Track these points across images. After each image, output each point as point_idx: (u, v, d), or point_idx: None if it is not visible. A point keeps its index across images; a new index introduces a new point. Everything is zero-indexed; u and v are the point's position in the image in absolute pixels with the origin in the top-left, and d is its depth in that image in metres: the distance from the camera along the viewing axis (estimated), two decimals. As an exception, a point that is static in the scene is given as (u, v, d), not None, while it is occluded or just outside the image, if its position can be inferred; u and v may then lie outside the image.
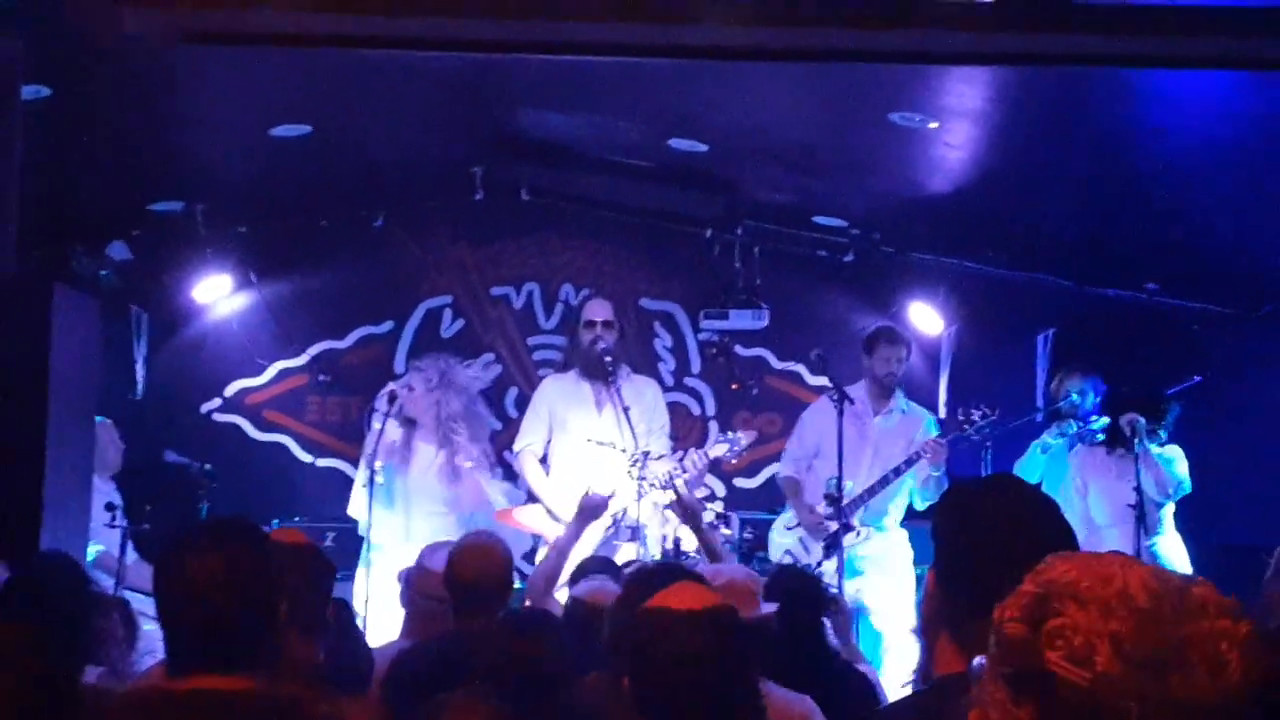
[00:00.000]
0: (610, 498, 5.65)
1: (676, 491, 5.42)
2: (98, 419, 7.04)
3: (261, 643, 2.28)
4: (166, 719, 2.20)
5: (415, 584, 4.35)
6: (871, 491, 6.35)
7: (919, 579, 6.38)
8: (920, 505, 6.47)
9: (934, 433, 6.52)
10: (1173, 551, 6.47)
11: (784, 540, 6.62)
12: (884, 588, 6.35)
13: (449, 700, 2.84)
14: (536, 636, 3.16)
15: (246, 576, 2.27)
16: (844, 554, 5.99)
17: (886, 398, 6.62)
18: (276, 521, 6.93)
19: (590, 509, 5.40)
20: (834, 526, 6.08)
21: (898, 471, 6.35)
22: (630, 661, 2.46)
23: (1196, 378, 6.62)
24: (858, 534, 6.37)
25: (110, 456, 6.97)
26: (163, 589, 2.32)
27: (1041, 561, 1.82)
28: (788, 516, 6.72)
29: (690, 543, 5.71)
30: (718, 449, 6.26)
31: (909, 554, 6.50)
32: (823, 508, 6.30)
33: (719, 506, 7.38)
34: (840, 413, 6.09)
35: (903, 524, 6.60)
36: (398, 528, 6.47)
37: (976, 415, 6.34)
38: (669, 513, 5.99)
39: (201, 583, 2.24)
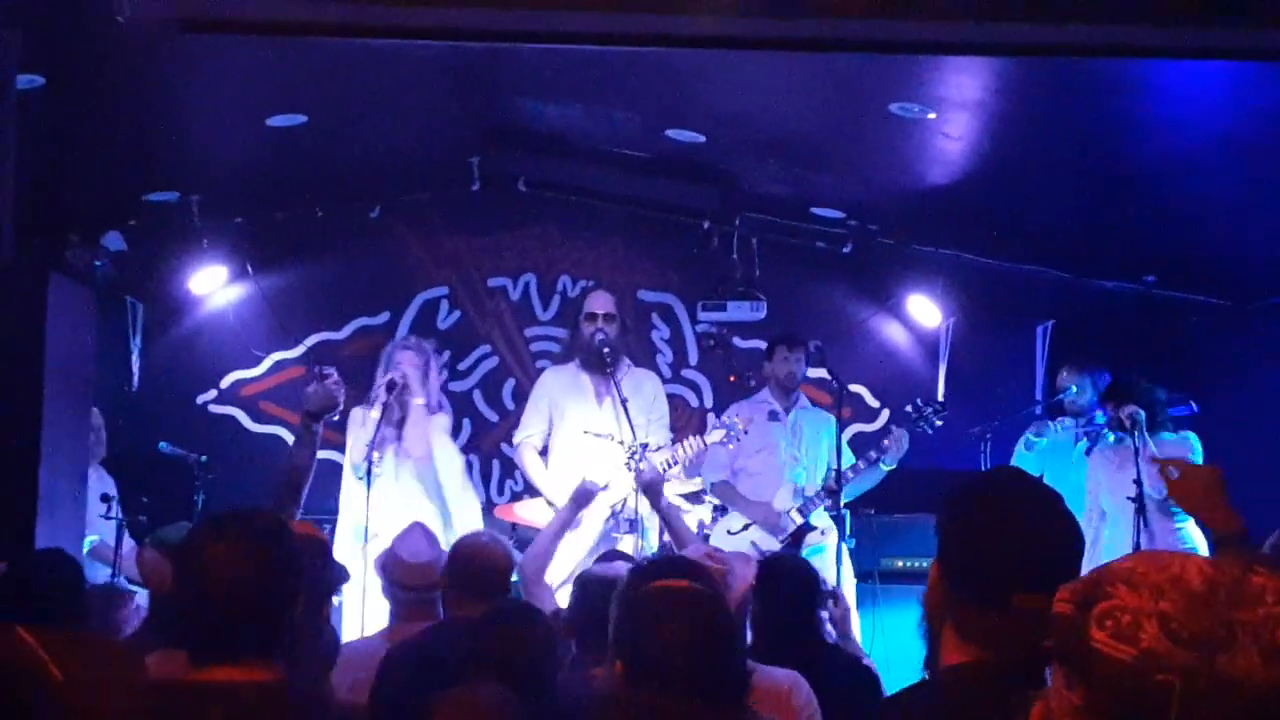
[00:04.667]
0: (604, 488, 5.69)
1: (644, 476, 5.44)
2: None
3: (282, 634, 2.26)
4: (198, 711, 2.18)
5: (392, 575, 4.30)
6: (836, 488, 6.28)
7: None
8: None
9: (834, 432, 6.50)
10: (1199, 540, 6.32)
11: (736, 545, 6.28)
12: (825, 556, 6.42)
13: (445, 696, 2.82)
14: (521, 630, 3.12)
15: (272, 567, 2.25)
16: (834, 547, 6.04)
17: (789, 398, 6.75)
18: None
19: (583, 496, 5.43)
20: (797, 521, 6.36)
21: (855, 469, 6.40)
22: (622, 646, 2.50)
23: (1194, 407, 6.58)
24: (823, 533, 6.43)
25: (90, 443, 6.93)
26: (186, 578, 2.28)
27: (1044, 553, 1.83)
28: (732, 520, 6.61)
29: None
30: (715, 434, 6.30)
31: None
32: (783, 501, 6.39)
33: (717, 499, 7.35)
34: (839, 404, 6.13)
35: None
36: (394, 509, 6.32)
37: (929, 410, 6.55)
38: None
39: (228, 572, 2.21)
